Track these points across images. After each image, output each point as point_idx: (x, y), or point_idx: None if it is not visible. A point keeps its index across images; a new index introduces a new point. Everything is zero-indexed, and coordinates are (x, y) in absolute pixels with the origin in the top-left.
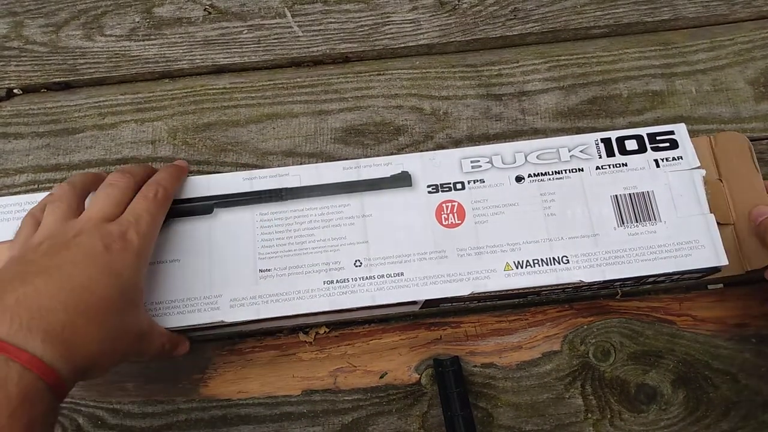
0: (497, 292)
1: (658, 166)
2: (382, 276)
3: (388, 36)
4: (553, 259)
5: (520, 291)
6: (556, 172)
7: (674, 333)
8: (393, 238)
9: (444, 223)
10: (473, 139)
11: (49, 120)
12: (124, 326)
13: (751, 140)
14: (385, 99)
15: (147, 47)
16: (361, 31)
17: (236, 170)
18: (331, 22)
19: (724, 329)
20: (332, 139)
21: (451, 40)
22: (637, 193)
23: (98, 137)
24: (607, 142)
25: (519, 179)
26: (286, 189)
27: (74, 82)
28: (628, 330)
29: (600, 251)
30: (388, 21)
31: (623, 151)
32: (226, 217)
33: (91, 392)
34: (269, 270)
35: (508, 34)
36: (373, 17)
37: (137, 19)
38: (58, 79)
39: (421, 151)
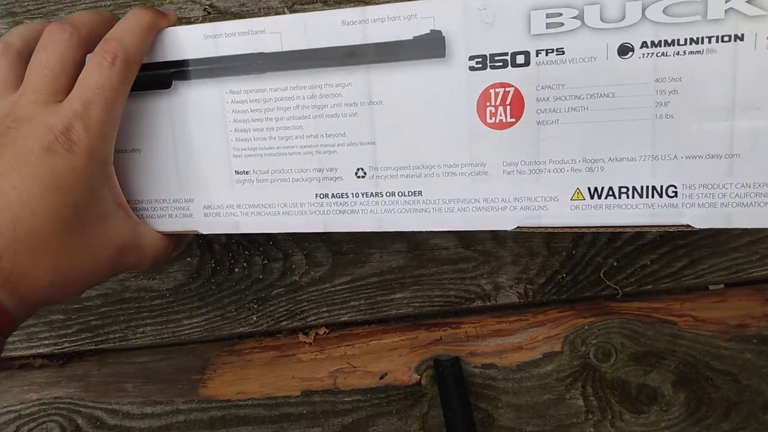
0: (555, 228)
1: None
2: (393, 194)
3: None
4: (653, 188)
5: (590, 229)
6: (692, 40)
7: (675, 333)
8: (411, 140)
9: (489, 120)
10: None
11: None
12: (87, 247)
13: None
14: None
15: None
16: None
17: None
18: None
19: (725, 330)
20: None
21: None
22: None
23: None
24: None
25: (624, 51)
26: (262, 55)
27: None
28: (629, 331)
29: (733, 183)
30: None
31: None
32: (188, 93)
33: (90, 393)
34: (247, 172)
35: None
36: None
37: None
38: None
39: None
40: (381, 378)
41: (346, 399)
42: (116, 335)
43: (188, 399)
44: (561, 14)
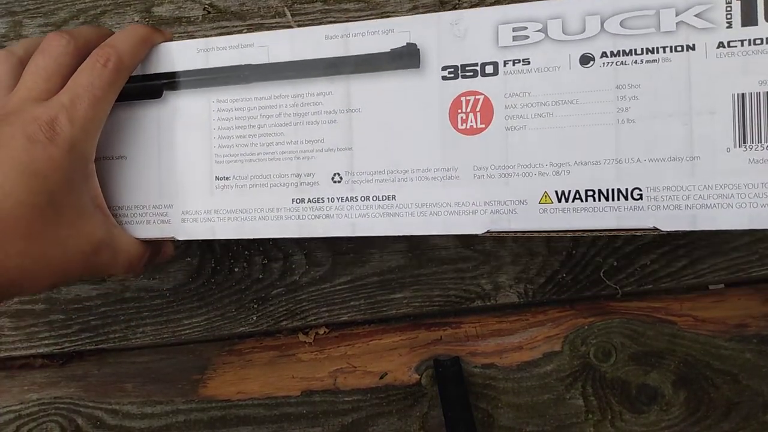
0: (523, 232)
1: None
2: (368, 198)
3: None
4: (618, 191)
5: (557, 233)
6: (648, 50)
7: (675, 333)
8: (386, 146)
9: (460, 126)
10: None
11: None
12: (59, 237)
13: None
14: None
15: None
16: None
17: None
18: (330, 22)
19: (725, 330)
20: None
21: None
22: None
23: None
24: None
25: (586, 60)
26: (250, 66)
27: None
28: (629, 330)
29: (696, 185)
30: None
31: None
32: (177, 102)
33: (90, 393)
34: (227, 178)
35: None
36: (372, 17)
37: (136, 19)
38: None
39: None
40: (381, 378)
41: (346, 399)
42: (116, 335)
43: (188, 399)
44: (526, 27)
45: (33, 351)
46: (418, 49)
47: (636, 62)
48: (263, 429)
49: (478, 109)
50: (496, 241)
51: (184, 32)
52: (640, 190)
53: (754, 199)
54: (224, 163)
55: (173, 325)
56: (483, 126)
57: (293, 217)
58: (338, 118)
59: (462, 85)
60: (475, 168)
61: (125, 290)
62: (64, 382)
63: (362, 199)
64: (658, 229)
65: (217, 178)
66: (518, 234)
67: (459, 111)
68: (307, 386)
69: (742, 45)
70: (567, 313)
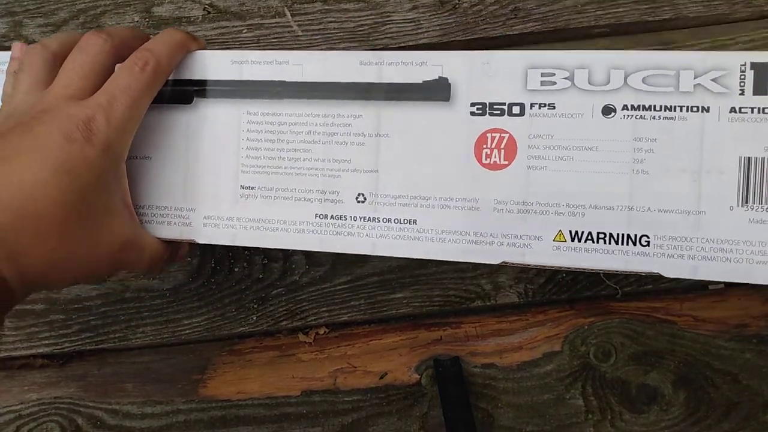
0: (540, 266)
1: None
2: (389, 220)
3: (387, 35)
4: (628, 236)
5: (570, 270)
6: (666, 108)
7: (675, 333)
8: (411, 172)
9: (484, 161)
10: None
11: None
12: (89, 237)
13: None
14: None
15: None
16: (361, 30)
17: None
18: (330, 21)
19: (725, 330)
20: None
21: (452, 39)
22: None
23: None
24: (760, 69)
25: (608, 111)
26: (284, 83)
27: None
28: (628, 330)
29: (699, 237)
30: (387, 20)
31: None
32: (207, 110)
33: (90, 393)
34: (252, 188)
35: (508, 33)
36: (372, 16)
37: (136, 19)
38: None
39: None
40: (381, 378)
41: (346, 399)
42: (116, 335)
43: (188, 399)
44: (554, 74)
45: (33, 351)
46: (450, 84)
47: (654, 117)
48: (263, 429)
49: (502, 146)
50: None
51: None
52: (648, 237)
53: (750, 255)
54: (251, 174)
55: (173, 325)
56: (506, 163)
57: (315, 232)
58: (366, 141)
59: (489, 122)
60: (495, 201)
61: (125, 290)
62: (64, 382)
63: (384, 220)
64: (661, 275)
65: (242, 187)
66: (535, 267)
67: (484, 146)
68: (307, 386)
69: (752, 112)
70: (567, 313)
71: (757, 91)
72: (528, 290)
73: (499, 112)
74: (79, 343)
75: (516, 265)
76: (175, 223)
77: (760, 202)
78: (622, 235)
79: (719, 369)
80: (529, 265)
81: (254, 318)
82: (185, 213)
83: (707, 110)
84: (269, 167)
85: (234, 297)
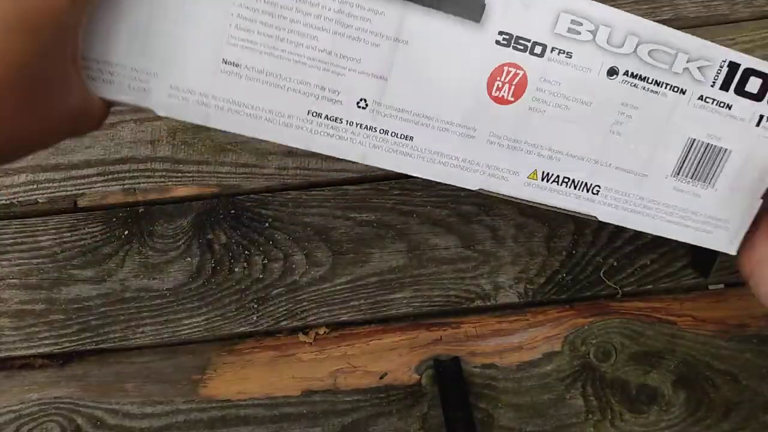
0: (507, 197)
1: (759, 124)
2: (386, 132)
3: None
4: (586, 185)
5: (530, 203)
6: (656, 82)
7: (675, 333)
8: (421, 87)
9: (493, 93)
10: None
11: None
12: (47, 104)
13: None
14: None
15: None
16: None
17: (236, 170)
18: None
19: (725, 330)
20: None
21: None
22: (716, 147)
23: (97, 137)
24: (733, 68)
25: (612, 73)
26: None
27: None
28: (628, 330)
29: (637, 195)
30: None
31: (739, 90)
32: None
33: (90, 393)
34: (238, 64)
35: None
36: None
37: None
38: None
39: None
40: (381, 378)
41: (346, 399)
42: (116, 335)
43: (188, 399)
44: (582, 24)
45: (33, 351)
46: (485, 4)
47: (644, 89)
48: (263, 429)
49: (514, 83)
50: (496, 241)
51: None
52: (599, 187)
53: (665, 215)
54: (238, 48)
55: (173, 325)
56: (512, 99)
57: (304, 129)
58: (383, 43)
59: (510, 55)
60: (491, 134)
61: (125, 290)
62: (64, 382)
63: (381, 131)
64: (597, 218)
65: (225, 61)
66: (501, 197)
67: (498, 78)
68: (307, 386)
69: (712, 104)
70: (567, 313)
71: (722, 87)
72: (528, 290)
73: (522, 48)
74: (79, 343)
75: (490, 194)
76: (129, 86)
77: (687, 176)
78: (583, 182)
79: (719, 369)
80: (500, 195)
81: (254, 318)
82: (144, 76)
83: (683, 92)
84: (263, 45)
85: (234, 297)
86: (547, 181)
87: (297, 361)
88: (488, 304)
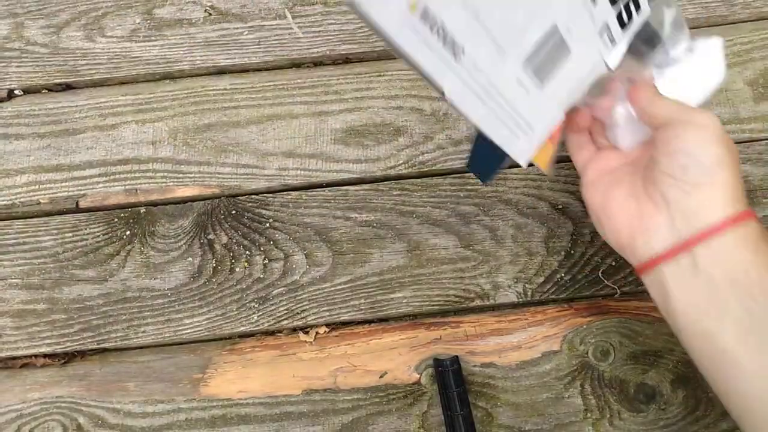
0: (379, 28)
1: (602, 35)
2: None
3: None
4: (454, 42)
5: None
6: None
7: (673, 333)
8: None
9: None
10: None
11: (50, 121)
12: None
13: (749, 141)
14: (385, 100)
15: (148, 48)
16: (361, 32)
17: (237, 170)
18: (331, 24)
19: None
20: (332, 140)
21: None
22: (565, 43)
23: (99, 138)
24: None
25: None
26: None
27: (75, 83)
28: (627, 330)
29: (487, 76)
30: None
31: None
32: None
33: (92, 392)
34: None
35: None
36: None
37: (138, 21)
38: (59, 80)
39: (421, 152)
40: (381, 377)
41: (346, 398)
42: (118, 334)
43: (189, 398)
44: None
45: (35, 350)
46: None
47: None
48: (264, 427)
49: None
50: (495, 241)
51: (185, 34)
52: (463, 53)
53: (496, 107)
54: None
55: (174, 324)
56: None
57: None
58: None
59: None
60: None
61: (127, 290)
62: (66, 381)
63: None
64: (443, 92)
65: None
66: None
67: None
68: (308, 385)
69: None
70: (565, 312)
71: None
72: (527, 290)
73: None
74: (81, 342)
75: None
76: None
77: (531, 67)
78: (452, 39)
79: None
80: (371, 20)
81: (255, 317)
82: None
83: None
84: None
85: (235, 296)
86: (425, 21)
87: (297, 360)
88: (487, 303)
